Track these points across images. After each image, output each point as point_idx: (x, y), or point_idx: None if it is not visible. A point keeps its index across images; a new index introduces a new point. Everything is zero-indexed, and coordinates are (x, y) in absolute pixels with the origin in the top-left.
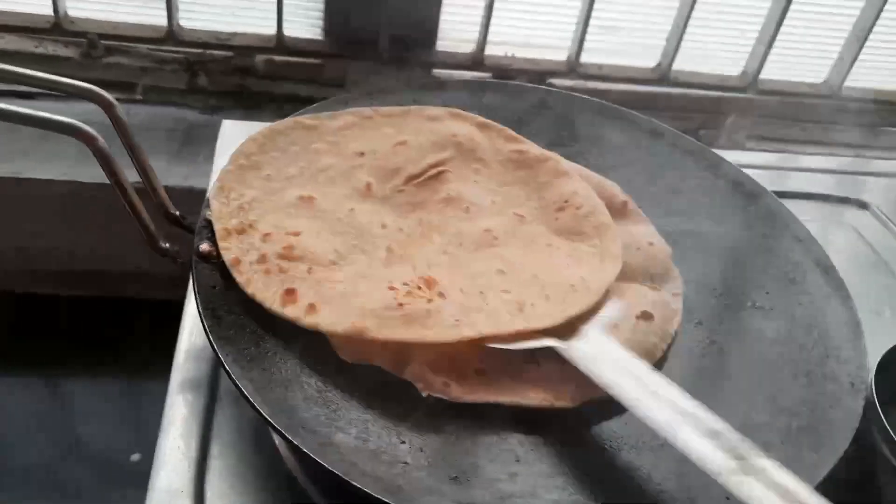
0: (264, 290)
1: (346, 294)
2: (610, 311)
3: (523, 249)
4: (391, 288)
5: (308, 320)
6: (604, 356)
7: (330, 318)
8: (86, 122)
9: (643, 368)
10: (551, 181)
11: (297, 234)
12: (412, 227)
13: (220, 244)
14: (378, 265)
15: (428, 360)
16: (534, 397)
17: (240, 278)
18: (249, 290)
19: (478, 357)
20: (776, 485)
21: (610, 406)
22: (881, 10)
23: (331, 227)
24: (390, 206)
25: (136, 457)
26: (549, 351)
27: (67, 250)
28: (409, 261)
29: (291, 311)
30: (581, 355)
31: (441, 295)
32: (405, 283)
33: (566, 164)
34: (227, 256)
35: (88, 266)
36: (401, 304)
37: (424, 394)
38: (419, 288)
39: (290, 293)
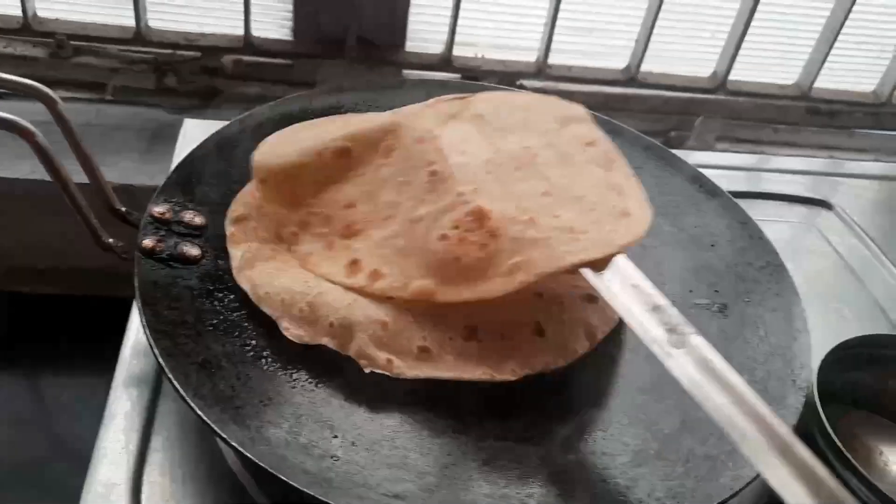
0: (330, 264)
1: (404, 251)
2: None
3: (564, 170)
4: (443, 237)
5: (376, 287)
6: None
7: (394, 283)
8: (34, 122)
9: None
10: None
11: (351, 205)
12: (452, 137)
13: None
14: (426, 196)
15: (372, 336)
16: (475, 372)
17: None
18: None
19: (421, 335)
20: (705, 362)
21: (546, 389)
22: (850, 11)
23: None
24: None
25: None
26: (491, 326)
27: (44, 248)
28: (454, 184)
29: (357, 282)
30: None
31: (493, 235)
32: (455, 227)
33: None
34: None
35: (54, 264)
36: (457, 259)
37: (367, 370)
38: (471, 230)
39: (354, 263)
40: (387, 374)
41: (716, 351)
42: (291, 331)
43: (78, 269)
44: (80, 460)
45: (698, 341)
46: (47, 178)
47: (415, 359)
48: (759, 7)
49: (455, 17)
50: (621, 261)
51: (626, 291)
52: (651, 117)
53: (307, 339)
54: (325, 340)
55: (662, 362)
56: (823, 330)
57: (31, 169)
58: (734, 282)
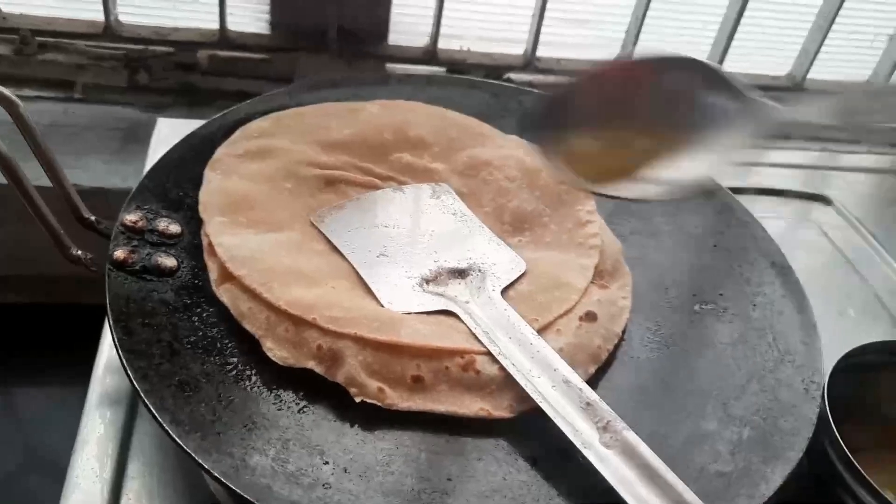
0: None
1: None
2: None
3: None
4: None
5: None
6: (499, 319)
7: None
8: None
9: (530, 333)
10: None
11: None
12: None
13: None
14: None
15: (363, 362)
16: (471, 407)
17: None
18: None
19: (415, 363)
20: (638, 458)
21: (547, 416)
22: (843, 0)
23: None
24: None
25: None
26: (489, 359)
27: (12, 255)
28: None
29: None
30: (478, 316)
31: None
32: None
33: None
34: None
35: (23, 272)
36: None
37: (358, 399)
38: None
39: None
40: (378, 403)
41: (650, 449)
42: (275, 352)
43: (44, 277)
44: (50, 473)
45: (632, 438)
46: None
47: (408, 389)
48: None
49: (440, 8)
50: (551, 355)
51: (557, 388)
52: None
53: (292, 361)
54: (312, 364)
55: (595, 465)
56: (825, 327)
57: None
58: (739, 284)
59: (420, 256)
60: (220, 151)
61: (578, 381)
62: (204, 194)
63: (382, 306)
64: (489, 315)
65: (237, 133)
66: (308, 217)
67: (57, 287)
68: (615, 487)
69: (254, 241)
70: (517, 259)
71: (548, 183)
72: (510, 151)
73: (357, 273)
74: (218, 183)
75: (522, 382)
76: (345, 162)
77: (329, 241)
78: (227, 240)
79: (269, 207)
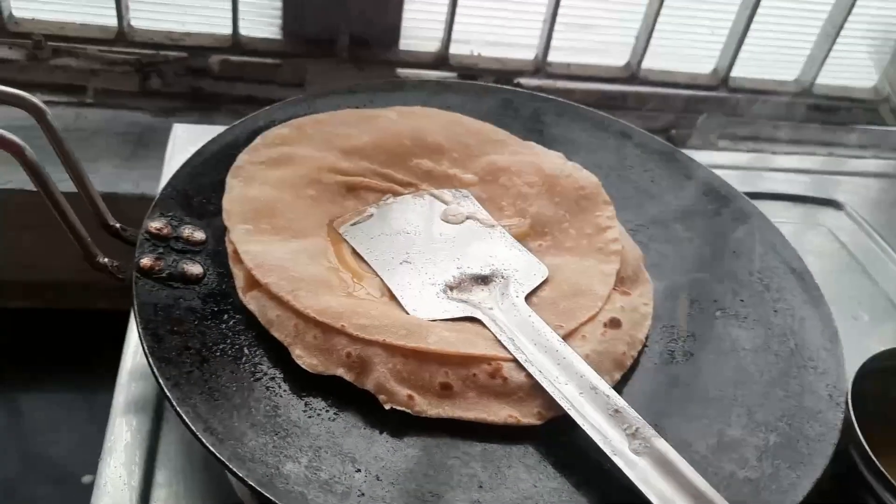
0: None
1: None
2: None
3: None
4: None
5: None
6: (524, 325)
7: None
8: (19, 128)
9: (556, 339)
10: None
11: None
12: None
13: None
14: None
15: (392, 370)
16: (500, 414)
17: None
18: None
19: (443, 370)
20: (668, 465)
21: (576, 423)
22: (852, 7)
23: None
24: None
25: (87, 479)
26: (516, 366)
27: (18, 261)
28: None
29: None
30: (503, 323)
31: None
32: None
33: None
34: None
35: (41, 277)
36: None
37: (387, 406)
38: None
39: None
40: (408, 411)
41: (680, 456)
42: (304, 360)
43: (50, 283)
44: (54, 478)
45: (662, 445)
46: (21, 187)
47: (437, 396)
48: (761, 3)
49: (452, 13)
50: (577, 362)
51: (585, 395)
52: (652, 115)
53: (321, 368)
54: (341, 372)
55: (625, 472)
56: (840, 332)
57: (5, 179)
58: (759, 290)
59: (443, 263)
60: (242, 159)
61: (606, 388)
62: (227, 202)
63: (407, 313)
64: (514, 321)
65: (257, 140)
66: (330, 224)
67: (63, 293)
68: (646, 495)
69: (279, 248)
70: (539, 265)
71: (566, 189)
72: (528, 157)
73: (381, 280)
74: (240, 190)
75: (550, 389)
76: (365, 168)
77: (352, 248)
78: (252, 247)
79: (292, 214)
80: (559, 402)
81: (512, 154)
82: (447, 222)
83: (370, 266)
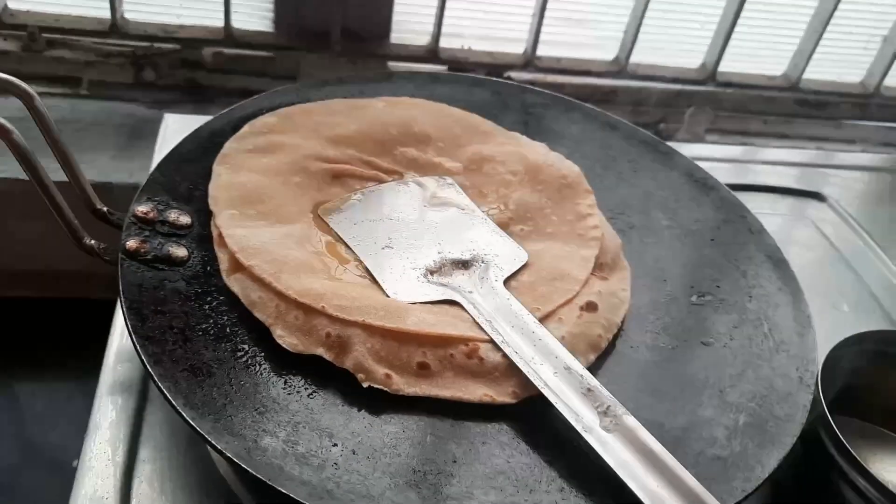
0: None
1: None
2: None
3: None
4: None
5: None
6: (502, 308)
7: None
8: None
9: (532, 322)
10: None
11: None
12: None
13: None
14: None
15: (370, 349)
16: (476, 393)
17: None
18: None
19: (421, 350)
20: (637, 442)
21: (550, 402)
22: (838, 1)
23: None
24: None
25: (76, 462)
26: (493, 347)
27: (16, 249)
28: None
29: None
30: (481, 306)
31: None
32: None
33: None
34: None
35: (39, 266)
36: None
37: (365, 384)
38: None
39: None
40: (385, 389)
41: (649, 433)
42: (285, 339)
43: (50, 272)
44: (53, 467)
45: (631, 422)
46: (17, 176)
47: (414, 375)
48: None
49: (442, 7)
50: (553, 343)
51: (559, 375)
52: (640, 109)
53: (301, 348)
54: (321, 351)
55: (595, 449)
56: (820, 322)
57: (8, 167)
58: (736, 277)
59: (425, 248)
60: (229, 146)
61: (579, 368)
62: (214, 188)
63: (388, 296)
64: (492, 304)
65: (245, 128)
66: (316, 210)
67: (62, 282)
68: (616, 470)
69: (263, 232)
70: (519, 250)
71: (549, 178)
72: (513, 148)
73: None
74: (227, 177)
75: (525, 370)
76: (351, 156)
77: (336, 234)
78: (237, 231)
79: (277, 200)
80: (533, 381)
81: (497, 144)
82: (430, 208)
83: (353, 251)
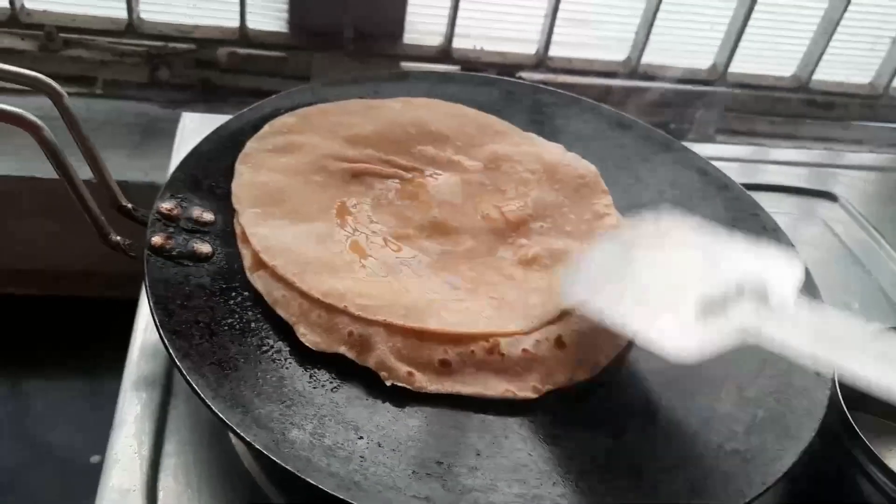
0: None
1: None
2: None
3: None
4: None
5: None
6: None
7: None
8: (40, 116)
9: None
10: None
11: None
12: None
13: None
14: None
15: (392, 348)
16: (497, 388)
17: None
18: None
19: (442, 347)
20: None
21: (571, 397)
22: (848, 3)
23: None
24: None
25: (95, 458)
26: (512, 339)
27: (19, 248)
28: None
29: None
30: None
31: None
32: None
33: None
34: None
35: (43, 265)
36: None
37: (388, 383)
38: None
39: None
40: (408, 387)
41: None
42: (308, 337)
43: (51, 271)
44: (56, 468)
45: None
46: (18, 174)
47: (436, 372)
48: None
49: (455, 7)
50: None
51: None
52: (651, 109)
53: (324, 346)
54: (343, 350)
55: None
56: None
57: (13, 166)
58: None
59: (682, 295)
60: (250, 146)
61: None
62: (236, 187)
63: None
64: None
65: (265, 129)
66: (341, 208)
67: (62, 281)
68: None
69: (286, 231)
70: (791, 260)
71: (566, 178)
72: (528, 147)
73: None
74: (249, 176)
75: None
76: (369, 155)
77: (357, 231)
78: (260, 230)
79: (299, 199)
80: None
81: (513, 144)
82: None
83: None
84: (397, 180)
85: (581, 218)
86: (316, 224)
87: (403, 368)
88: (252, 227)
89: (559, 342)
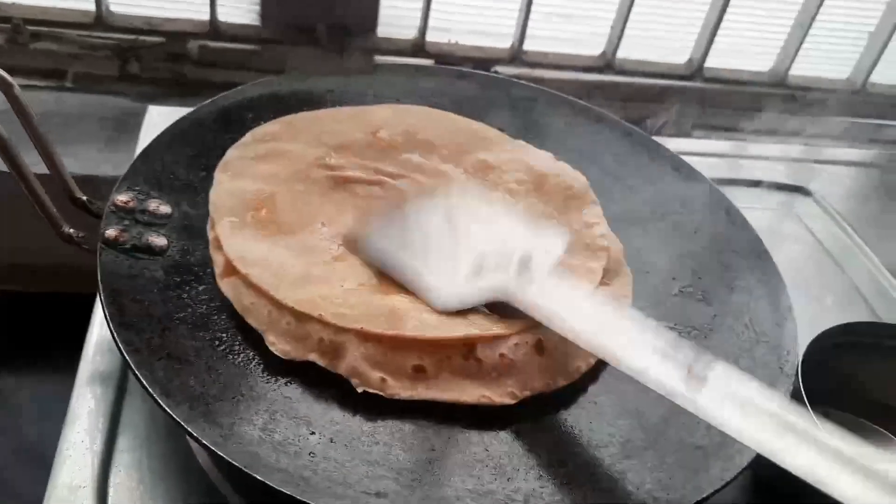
0: None
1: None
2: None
3: None
4: None
5: None
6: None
7: None
8: None
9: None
10: None
11: None
12: None
13: None
14: None
15: (364, 354)
16: (473, 394)
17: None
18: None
19: (417, 353)
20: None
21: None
22: None
23: None
24: None
25: None
26: (489, 344)
27: None
28: None
29: None
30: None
31: None
32: None
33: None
34: None
35: (12, 260)
36: None
37: (360, 389)
38: None
39: None
40: (381, 393)
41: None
42: (277, 346)
43: (33, 266)
44: (37, 464)
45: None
46: None
47: (410, 378)
48: None
49: (428, 1)
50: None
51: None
52: (627, 104)
53: (294, 354)
54: (314, 357)
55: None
56: (804, 314)
57: None
58: (718, 269)
59: (463, 253)
60: (231, 154)
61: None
62: (214, 195)
63: (438, 309)
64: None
65: (247, 136)
66: (319, 222)
67: (38, 276)
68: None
69: (263, 241)
70: (558, 233)
71: (555, 189)
72: (517, 156)
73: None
74: (228, 184)
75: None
76: (354, 163)
77: (337, 242)
78: (236, 240)
79: (279, 209)
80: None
81: (502, 152)
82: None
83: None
84: (381, 188)
85: (570, 228)
86: (296, 234)
87: (376, 375)
88: (228, 238)
89: (538, 347)
